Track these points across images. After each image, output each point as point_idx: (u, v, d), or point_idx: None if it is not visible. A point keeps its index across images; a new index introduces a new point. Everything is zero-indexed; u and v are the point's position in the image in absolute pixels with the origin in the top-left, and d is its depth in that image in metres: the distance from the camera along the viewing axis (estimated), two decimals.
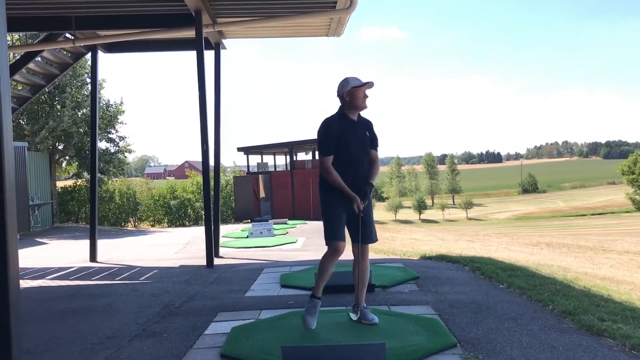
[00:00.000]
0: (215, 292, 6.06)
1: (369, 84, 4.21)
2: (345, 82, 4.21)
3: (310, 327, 4.15)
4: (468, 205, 76.53)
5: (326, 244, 4.24)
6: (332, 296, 5.27)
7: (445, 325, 4.24)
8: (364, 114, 4.36)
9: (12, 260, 2.96)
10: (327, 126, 4.26)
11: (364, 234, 4.29)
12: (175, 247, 11.49)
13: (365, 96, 4.24)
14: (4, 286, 2.91)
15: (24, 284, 7.19)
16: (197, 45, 8.27)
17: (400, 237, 13.57)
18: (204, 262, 8.14)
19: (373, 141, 4.36)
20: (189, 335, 4.37)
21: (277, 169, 25.56)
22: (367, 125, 4.37)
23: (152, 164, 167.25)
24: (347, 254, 4.38)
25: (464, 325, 4.24)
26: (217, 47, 9.87)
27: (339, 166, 4.22)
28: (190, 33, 8.46)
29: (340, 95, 4.26)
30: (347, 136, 4.21)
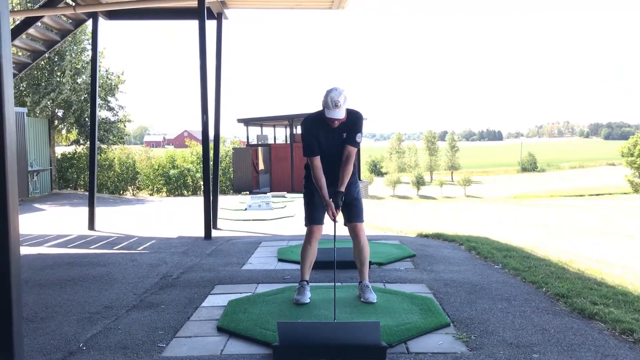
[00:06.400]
0: (213, 264, 6.11)
1: (330, 121, 4.14)
2: (324, 99, 4.12)
3: (304, 303, 4.29)
4: (466, 182, 76.61)
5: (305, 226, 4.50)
6: (328, 272, 5.33)
7: (439, 304, 4.30)
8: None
9: (12, 228, 2.97)
10: (308, 127, 4.30)
11: (349, 213, 4.43)
12: (173, 217, 11.54)
13: (334, 122, 4.15)
14: (4, 254, 2.93)
15: (23, 250, 7.23)
16: (199, 14, 8.18)
17: (397, 213, 13.62)
18: (202, 233, 8.18)
19: (351, 139, 4.26)
20: (186, 307, 4.43)
21: (276, 142, 25.51)
22: (349, 123, 4.23)
23: (150, 132, 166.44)
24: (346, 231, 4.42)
25: (458, 305, 4.30)
26: (219, 17, 9.76)
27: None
28: (192, 2, 8.35)
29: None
30: (321, 139, 4.26)
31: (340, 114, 4.11)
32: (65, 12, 9.35)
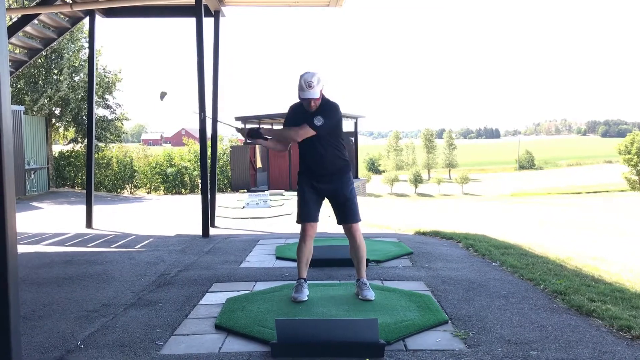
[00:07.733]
0: (211, 262, 6.11)
1: (306, 102, 4.27)
2: (298, 83, 4.25)
3: (302, 300, 4.30)
4: (464, 180, 76.73)
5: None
6: (326, 270, 5.33)
7: (437, 301, 4.30)
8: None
9: (10, 226, 2.96)
10: (289, 111, 4.56)
11: (342, 214, 4.49)
12: (171, 215, 11.52)
13: (310, 104, 4.27)
14: (2, 252, 2.92)
15: (20, 249, 7.20)
16: (197, 12, 8.17)
17: (395, 210, 13.64)
18: (199, 231, 8.17)
19: (311, 120, 4.30)
20: (184, 305, 4.43)
21: None
22: (321, 110, 4.33)
23: (148, 131, 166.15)
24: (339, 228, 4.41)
25: (456, 302, 4.30)
26: (216, 15, 9.73)
27: (299, 150, 4.53)
28: (189, 0, 8.34)
29: None
30: (299, 123, 4.37)
31: (314, 94, 4.22)
32: (62, 10, 9.33)
